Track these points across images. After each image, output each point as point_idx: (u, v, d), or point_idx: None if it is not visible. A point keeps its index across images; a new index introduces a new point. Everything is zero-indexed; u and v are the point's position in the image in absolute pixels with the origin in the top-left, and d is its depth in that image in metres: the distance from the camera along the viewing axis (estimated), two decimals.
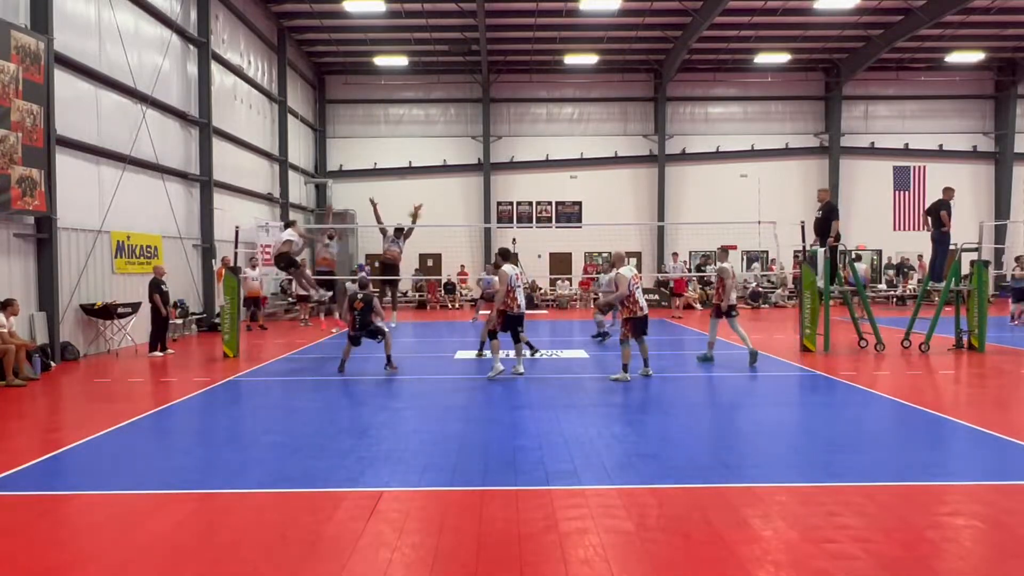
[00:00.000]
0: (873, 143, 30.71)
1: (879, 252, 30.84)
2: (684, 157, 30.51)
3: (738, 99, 30.78)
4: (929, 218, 14.52)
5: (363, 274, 14.87)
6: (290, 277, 17.53)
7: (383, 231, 16.04)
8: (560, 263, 30.05)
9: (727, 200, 28.94)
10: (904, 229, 30.63)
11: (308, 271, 15.70)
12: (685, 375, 11.62)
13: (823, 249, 13.91)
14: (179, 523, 5.12)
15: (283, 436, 7.65)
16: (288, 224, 15.80)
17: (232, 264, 15.30)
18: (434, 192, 29.07)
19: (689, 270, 26.88)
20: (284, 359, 13.81)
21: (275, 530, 4.93)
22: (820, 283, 13.74)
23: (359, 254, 29.34)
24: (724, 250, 13.69)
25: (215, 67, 20.01)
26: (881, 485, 5.75)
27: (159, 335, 14.23)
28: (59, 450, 7.07)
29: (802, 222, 16.23)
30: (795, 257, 23.42)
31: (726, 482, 5.86)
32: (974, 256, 14.30)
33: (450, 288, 28.45)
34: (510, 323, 11.23)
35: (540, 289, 28.54)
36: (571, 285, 29.15)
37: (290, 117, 26.18)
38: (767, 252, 29.62)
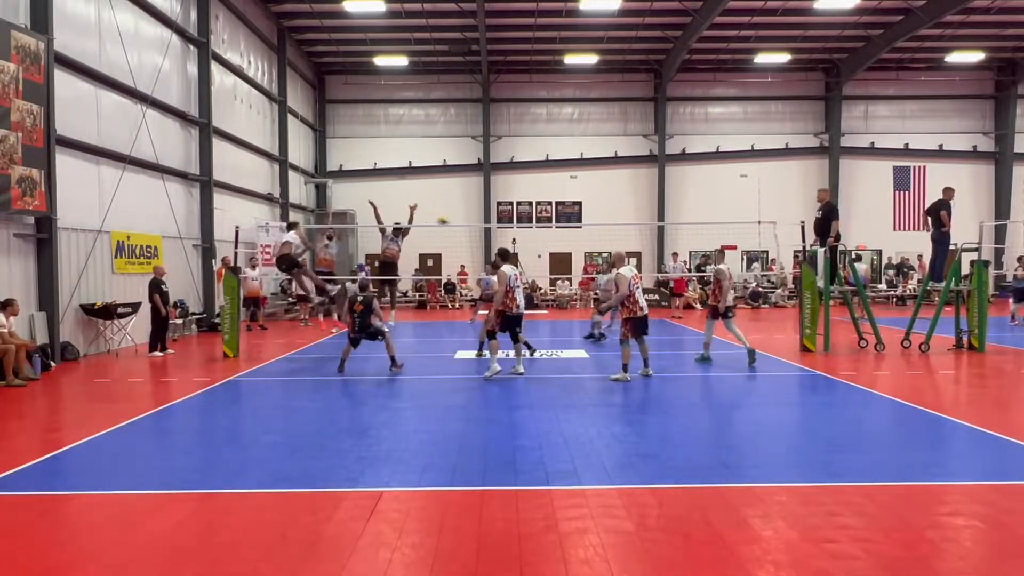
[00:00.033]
0: (873, 143, 30.71)
1: (879, 252, 30.85)
2: (684, 157, 30.52)
3: (738, 99, 30.78)
4: (929, 218, 14.52)
5: (363, 275, 14.88)
6: (290, 278, 17.51)
7: (382, 230, 16.13)
8: (560, 263, 30.05)
9: (727, 200, 28.94)
10: (904, 229, 30.63)
11: (312, 271, 15.63)
12: (685, 375, 11.62)
13: (823, 249, 13.91)
14: (179, 523, 5.12)
15: (283, 436, 7.65)
16: (291, 226, 15.82)
17: (232, 264, 15.30)
18: (434, 192, 29.16)
19: (689, 270, 26.88)
20: (284, 359, 13.81)
21: (275, 530, 4.93)
22: (820, 283, 13.74)
23: (359, 254, 29.35)
24: (721, 251, 13.72)
25: (215, 67, 20.01)
26: (881, 485, 5.75)
27: (159, 335, 14.23)
28: (59, 450, 7.07)
29: (802, 222, 16.23)
30: (795, 257, 23.42)
31: (726, 482, 5.86)
32: (974, 256, 14.30)
33: (450, 288, 28.45)
34: (508, 323, 11.23)
35: (540, 289, 28.55)
36: (571, 285, 29.15)
37: (290, 117, 26.19)
38: (767, 252, 29.62)
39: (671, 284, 24.78)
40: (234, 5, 21.35)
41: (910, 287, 27.47)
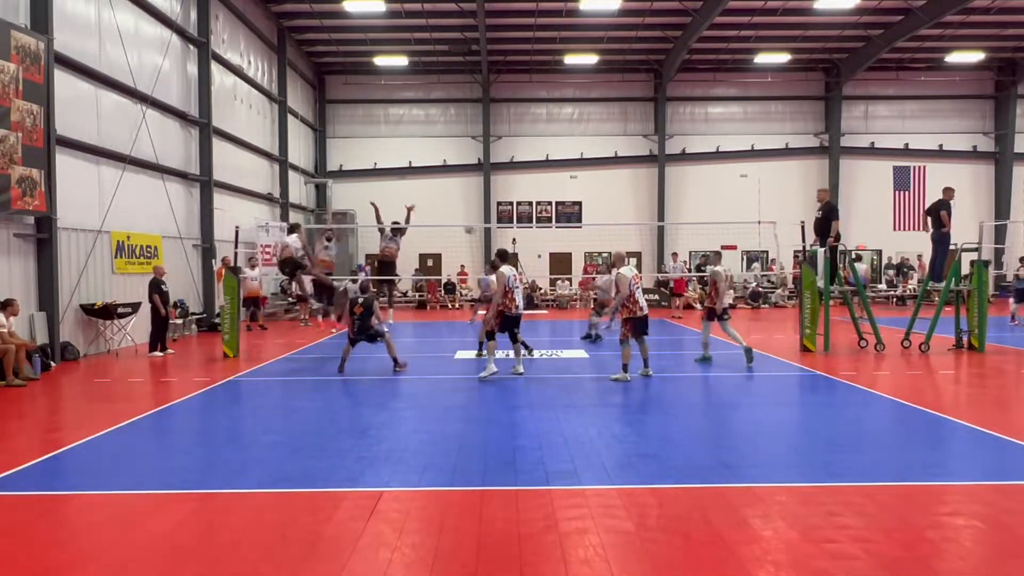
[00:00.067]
0: (873, 143, 30.72)
1: (879, 252, 30.85)
2: (684, 157, 30.52)
3: (738, 99, 30.79)
4: (929, 218, 14.52)
5: (363, 276, 14.89)
6: (291, 279, 17.47)
7: (381, 230, 16.22)
8: (560, 263, 30.05)
9: (727, 200, 28.95)
10: (904, 229, 30.63)
11: (317, 270, 15.56)
12: (685, 375, 11.62)
13: (823, 249, 13.91)
14: (179, 523, 5.12)
15: (283, 436, 7.65)
16: (292, 228, 15.86)
17: (232, 264, 15.31)
18: (434, 192, 29.16)
19: (689, 270, 26.88)
20: (284, 359, 13.81)
21: (275, 530, 4.93)
22: (820, 283, 13.74)
23: (359, 254, 29.35)
24: (717, 252, 13.71)
25: (215, 67, 20.01)
26: (881, 485, 5.75)
27: (159, 335, 14.23)
28: (59, 450, 7.07)
29: (802, 222, 16.23)
30: (795, 257, 23.42)
31: (726, 482, 5.85)
32: (974, 256, 14.30)
33: (450, 288, 28.45)
34: (507, 324, 11.22)
35: (540, 289, 28.55)
36: (571, 285, 29.15)
37: (290, 117, 26.19)
38: (767, 252, 29.62)
39: (671, 284, 24.78)
40: (234, 5, 21.35)
41: (910, 287, 27.48)
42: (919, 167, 30.63)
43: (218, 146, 19.97)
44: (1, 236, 12.16)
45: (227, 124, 20.96)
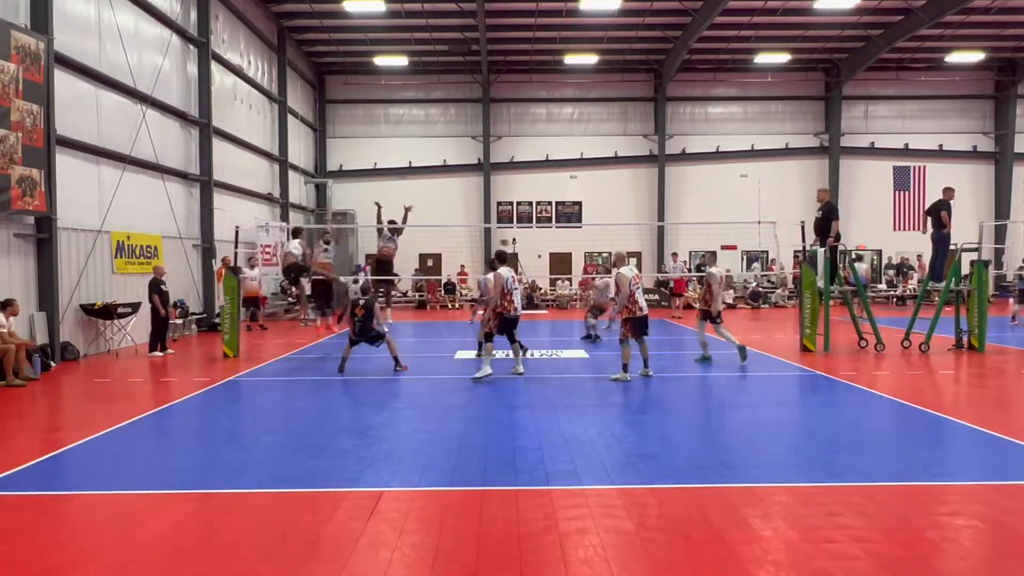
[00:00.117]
0: (873, 143, 30.71)
1: (879, 252, 30.85)
2: (684, 157, 30.51)
3: (738, 99, 30.78)
4: (929, 218, 14.52)
5: (364, 277, 14.89)
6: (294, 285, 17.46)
7: (379, 230, 16.29)
8: (560, 263, 30.04)
9: (727, 200, 28.94)
10: (904, 229, 30.63)
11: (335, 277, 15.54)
12: (685, 375, 11.62)
13: (823, 249, 13.92)
14: (179, 523, 5.12)
15: (283, 436, 7.65)
16: (295, 233, 15.89)
17: (232, 264, 15.31)
18: (434, 192, 29.16)
19: (689, 270, 26.87)
20: (284, 359, 13.81)
21: (275, 530, 4.93)
22: (820, 283, 13.74)
23: (359, 254, 29.34)
24: (713, 254, 13.69)
25: (215, 67, 20.01)
26: (881, 485, 5.75)
27: (159, 335, 14.23)
28: (59, 450, 7.06)
29: (802, 222, 16.22)
30: (795, 257, 23.41)
31: (726, 482, 5.85)
32: (974, 256, 14.30)
33: (450, 288, 28.45)
34: (506, 325, 11.21)
35: (540, 289, 28.55)
36: (571, 285, 29.15)
37: (290, 117, 26.19)
38: (767, 252, 29.62)
39: (671, 284, 24.77)
40: (234, 5, 21.35)
41: (910, 287, 27.48)
42: (919, 167, 30.63)
43: (218, 146, 19.97)
44: (1, 236, 12.16)
45: (227, 124, 20.95)
